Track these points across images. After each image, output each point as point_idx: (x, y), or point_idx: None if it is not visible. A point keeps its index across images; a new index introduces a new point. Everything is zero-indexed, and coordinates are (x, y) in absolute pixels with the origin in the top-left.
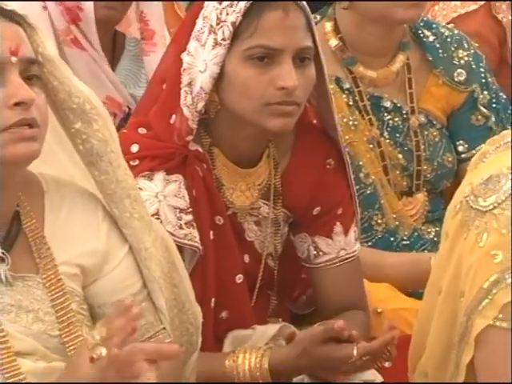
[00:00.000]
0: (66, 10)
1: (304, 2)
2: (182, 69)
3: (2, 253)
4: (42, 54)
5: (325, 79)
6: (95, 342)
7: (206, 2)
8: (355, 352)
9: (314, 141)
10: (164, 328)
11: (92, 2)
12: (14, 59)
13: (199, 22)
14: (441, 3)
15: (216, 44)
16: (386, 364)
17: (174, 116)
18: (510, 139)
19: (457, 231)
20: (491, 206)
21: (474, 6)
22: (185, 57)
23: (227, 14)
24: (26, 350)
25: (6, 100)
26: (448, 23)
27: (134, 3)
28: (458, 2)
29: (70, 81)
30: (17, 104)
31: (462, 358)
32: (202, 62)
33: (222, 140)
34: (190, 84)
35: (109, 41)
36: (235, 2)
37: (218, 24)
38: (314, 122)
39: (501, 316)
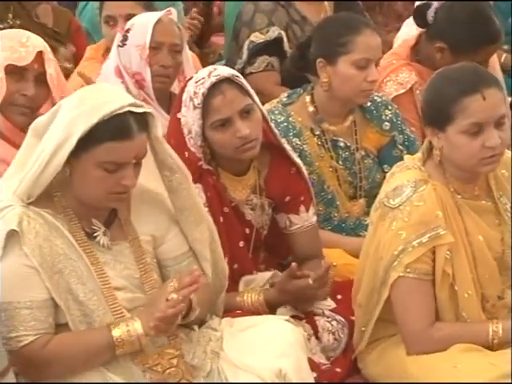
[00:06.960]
0: (135, 82)
1: (236, 77)
2: (182, 125)
3: (105, 229)
4: (153, 134)
5: (265, 116)
6: (171, 290)
7: (188, 88)
8: (310, 280)
9: (282, 157)
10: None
11: (150, 77)
12: (133, 161)
13: (184, 95)
14: (384, 87)
15: (195, 107)
16: (339, 296)
17: (186, 153)
18: (407, 164)
19: (377, 220)
20: (397, 204)
21: (402, 90)
22: (181, 117)
23: (200, 89)
24: (119, 286)
25: (119, 180)
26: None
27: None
28: (392, 88)
29: (166, 149)
30: (123, 187)
31: (381, 295)
32: (191, 118)
33: (222, 163)
34: (189, 132)
35: (166, 98)
36: (200, 88)
37: (194, 94)
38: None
39: (408, 270)
